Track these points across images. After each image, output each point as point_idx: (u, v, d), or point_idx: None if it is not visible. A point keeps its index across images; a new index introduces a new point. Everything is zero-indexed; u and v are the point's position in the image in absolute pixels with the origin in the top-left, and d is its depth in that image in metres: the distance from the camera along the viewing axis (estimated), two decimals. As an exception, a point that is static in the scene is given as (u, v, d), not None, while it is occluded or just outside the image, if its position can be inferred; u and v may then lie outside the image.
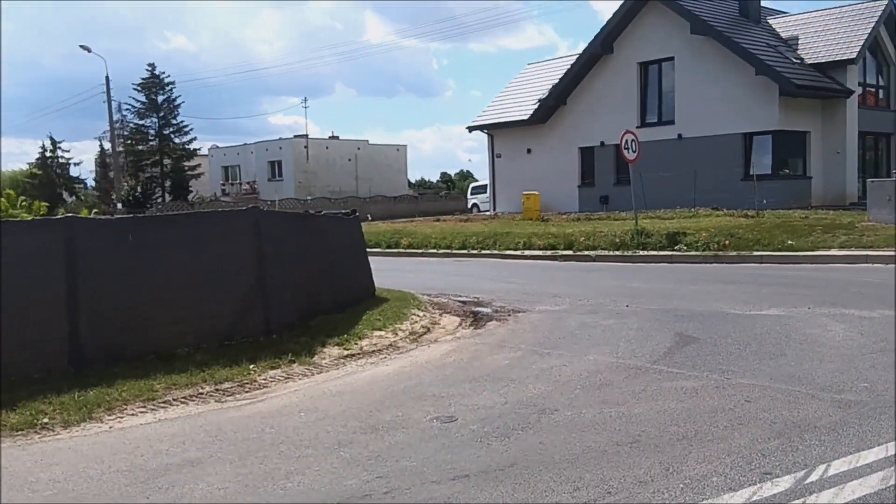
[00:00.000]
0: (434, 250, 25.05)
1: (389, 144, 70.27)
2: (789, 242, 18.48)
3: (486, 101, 42.61)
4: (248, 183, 64.16)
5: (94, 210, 13.18)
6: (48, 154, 63.53)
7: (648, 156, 25.54)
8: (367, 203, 52.58)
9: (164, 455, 5.83)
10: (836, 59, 29.49)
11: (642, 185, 23.56)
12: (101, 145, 63.60)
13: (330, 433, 6.24)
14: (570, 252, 21.33)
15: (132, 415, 7.06)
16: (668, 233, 20.52)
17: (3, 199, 11.57)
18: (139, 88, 59.91)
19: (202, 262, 9.59)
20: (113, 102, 51.89)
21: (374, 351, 9.59)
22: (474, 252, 23.83)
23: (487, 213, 39.29)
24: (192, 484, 5.18)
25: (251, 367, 8.47)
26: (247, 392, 7.78)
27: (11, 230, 8.29)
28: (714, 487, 4.75)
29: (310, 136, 63.45)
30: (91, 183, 67.06)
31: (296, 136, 63.55)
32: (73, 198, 63.42)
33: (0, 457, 5.84)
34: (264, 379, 8.20)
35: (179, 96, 62.21)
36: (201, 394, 7.66)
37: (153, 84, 60.10)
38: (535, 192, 30.95)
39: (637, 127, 30.26)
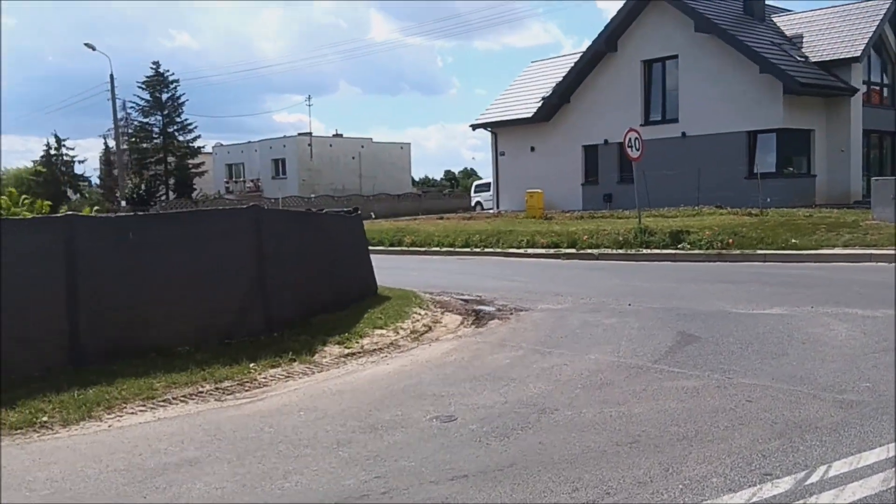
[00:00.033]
0: (437, 248, 25.04)
1: (393, 142, 70.20)
2: (793, 241, 18.42)
3: (490, 99, 42.67)
4: (252, 181, 64.16)
5: (96, 208, 13.13)
6: (52, 152, 63.55)
7: (652, 154, 25.48)
8: (371, 201, 52.56)
9: (163, 454, 5.81)
10: (841, 57, 29.36)
11: (646, 183, 23.48)
12: (105, 143, 63.65)
13: (329, 432, 6.22)
14: (573, 250, 21.30)
15: (131, 413, 7.05)
16: (671, 231, 20.48)
17: (4, 197, 11.55)
18: (143, 86, 59.86)
19: (202, 260, 9.59)
20: (117, 100, 51.94)
21: (374, 350, 9.57)
22: (477, 250, 23.81)
23: (491, 211, 39.26)
24: (189, 483, 5.16)
25: (251, 365, 8.46)
26: (247, 391, 7.76)
27: (11, 228, 8.28)
28: (714, 488, 4.72)
29: (313, 134, 63.42)
30: (96, 181, 67.20)
31: (299, 134, 63.51)
32: (78, 195, 63.47)
33: (0, 456, 5.83)
34: (264, 378, 8.18)
35: (183, 94, 62.02)
36: (201, 392, 7.64)
37: (157, 82, 60.06)
38: (539, 190, 30.91)
39: (641, 125, 30.19)
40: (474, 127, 40.11)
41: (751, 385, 7.05)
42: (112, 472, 5.45)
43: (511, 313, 11.95)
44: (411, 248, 25.76)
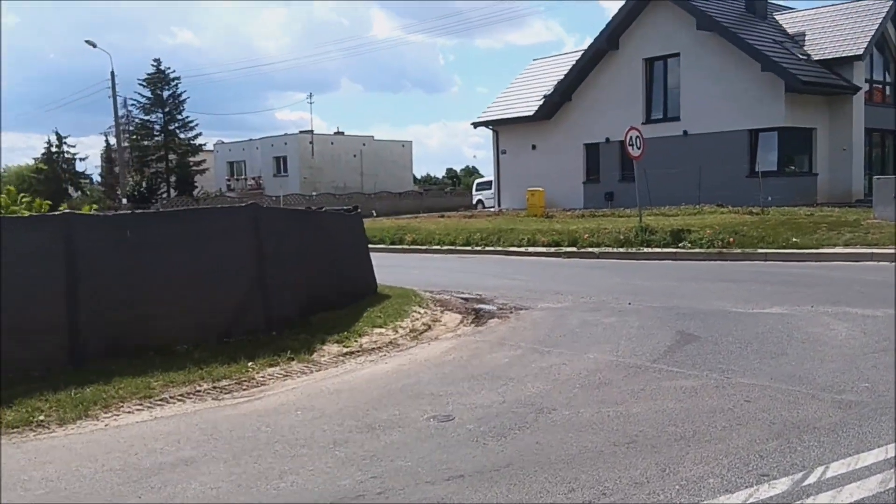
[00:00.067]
0: (438, 247, 25.01)
1: (395, 140, 70.14)
2: (794, 240, 18.38)
3: (491, 97, 42.51)
4: (254, 178, 64.17)
5: (95, 207, 13.11)
6: (54, 149, 63.59)
7: (653, 152, 25.46)
8: (372, 199, 52.54)
9: (159, 454, 5.80)
10: (843, 55, 29.29)
11: (647, 181, 23.44)
12: (106, 140, 63.75)
13: (326, 432, 6.20)
14: (574, 249, 21.27)
15: (128, 412, 7.04)
16: (672, 230, 20.44)
17: (3, 196, 11.53)
18: (145, 84, 59.96)
19: (202, 258, 9.57)
20: (119, 98, 52.01)
21: (373, 348, 9.55)
22: (478, 249, 23.78)
23: (492, 209, 39.24)
24: (185, 483, 5.15)
25: (249, 364, 8.44)
26: (244, 390, 7.74)
27: (9, 227, 8.26)
28: (710, 489, 4.70)
29: (315, 132, 63.40)
30: (97, 178, 67.27)
31: (301, 132, 63.52)
32: (79, 193, 63.51)
33: (0, 456, 5.83)
34: (262, 377, 8.17)
35: (185, 92, 62.03)
36: (198, 391, 7.63)
37: (158, 79, 60.12)
38: (540, 189, 30.89)
39: (642, 123, 30.17)
40: (476, 125, 40.07)
41: (749, 385, 7.02)
42: (108, 472, 5.43)
43: (511, 312, 11.93)
44: (412, 247, 25.73)
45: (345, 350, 9.38)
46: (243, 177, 65.96)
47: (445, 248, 24.67)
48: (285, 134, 64.50)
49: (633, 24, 32.45)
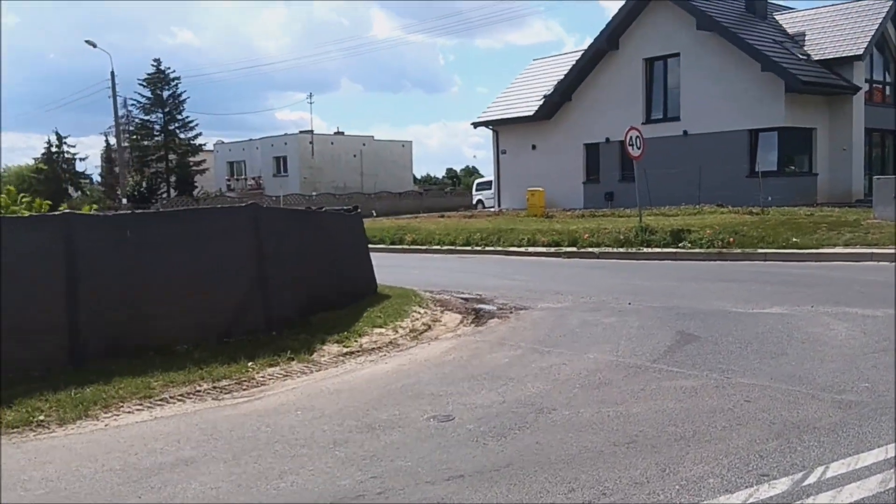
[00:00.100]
0: (438, 247, 25.01)
1: (395, 140, 70.13)
2: (794, 240, 18.38)
3: (491, 97, 42.52)
4: (254, 178, 64.17)
5: (95, 207, 13.09)
6: (54, 149, 63.62)
7: (653, 152, 25.46)
8: (372, 199, 52.54)
9: (159, 454, 5.80)
10: (843, 55, 29.28)
11: (647, 181, 23.44)
12: (106, 140, 63.79)
13: (326, 432, 6.20)
14: (574, 249, 21.27)
15: (128, 412, 7.04)
16: (672, 230, 20.44)
17: (3, 196, 11.52)
18: (144, 84, 59.96)
19: (201, 258, 9.57)
20: (119, 98, 51.99)
21: (373, 348, 9.55)
22: (478, 249, 23.78)
23: (492, 209, 39.24)
24: (184, 483, 5.15)
25: (249, 364, 8.44)
26: (244, 390, 7.74)
27: (9, 227, 8.25)
28: (710, 489, 4.70)
29: (315, 132, 63.40)
30: (97, 178, 67.28)
31: (301, 132, 63.51)
32: (79, 193, 63.53)
33: (0, 456, 5.81)
34: (262, 377, 8.17)
35: (184, 92, 62.04)
36: (198, 391, 7.63)
37: (158, 79, 60.13)
38: (540, 189, 30.89)
39: (642, 123, 30.17)
40: (476, 125, 40.07)
41: (749, 385, 7.02)
42: (107, 472, 5.43)
43: (511, 312, 11.93)
44: (412, 247, 25.73)
45: (345, 350, 9.38)
46: (243, 177, 65.96)
47: (445, 248, 24.67)
48: (285, 134, 64.52)
49: (633, 24, 32.45)
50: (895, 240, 16.85)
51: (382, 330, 10.47)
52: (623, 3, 32.50)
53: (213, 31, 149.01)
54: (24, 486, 5.23)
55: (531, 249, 22.27)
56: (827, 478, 4.79)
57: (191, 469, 5.42)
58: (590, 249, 20.85)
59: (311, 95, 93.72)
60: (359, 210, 14.74)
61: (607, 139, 33.35)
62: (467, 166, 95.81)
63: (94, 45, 47.96)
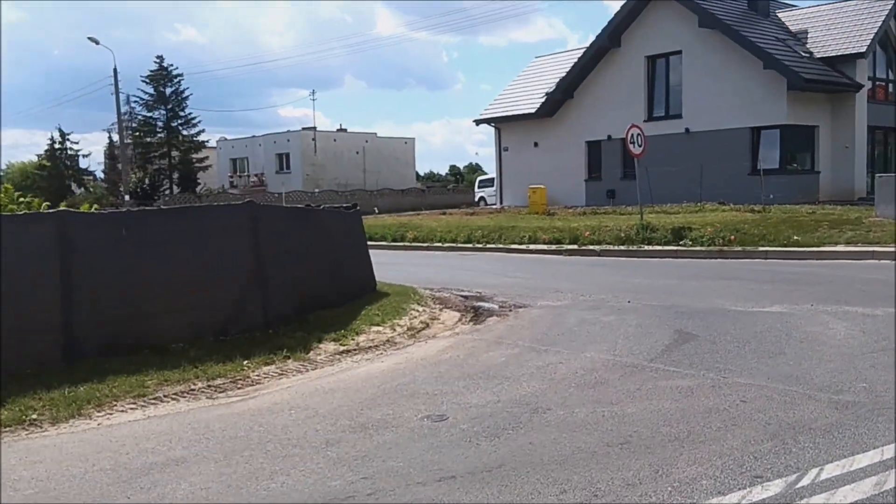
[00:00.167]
0: (439, 244, 24.94)
1: (397, 137, 70.10)
2: (795, 238, 18.32)
3: (495, 95, 42.41)
4: (256, 175, 64.17)
5: (95, 206, 13.03)
6: (57, 146, 63.65)
7: (655, 150, 25.40)
8: (375, 196, 52.53)
9: (150, 453, 5.77)
10: (846, 52, 29.21)
11: (648, 179, 23.37)
12: (109, 137, 63.75)
13: (318, 432, 6.17)
14: (574, 246, 21.21)
15: (122, 411, 7.02)
16: (673, 228, 20.40)
17: (1, 195, 11.48)
18: (147, 80, 60.00)
19: (199, 256, 9.55)
20: (122, 94, 51.97)
21: (370, 347, 9.51)
22: (479, 246, 23.72)
23: (494, 206, 39.19)
24: (174, 484, 5.12)
25: (245, 362, 8.41)
26: (239, 388, 7.71)
27: (5, 225, 8.22)
28: (703, 491, 4.66)
29: (318, 129, 63.42)
30: (100, 175, 67.28)
31: (304, 129, 63.52)
32: (82, 189, 63.55)
33: (0, 456, 5.79)
34: (258, 375, 8.14)
35: (187, 88, 62.30)
36: (193, 390, 7.60)
37: (161, 76, 60.16)
38: (542, 186, 30.85)
39: (644, 121, 30.11)
40: (478, 122, 40.03)
41: (746, 385, 6.97)
42: (97, 472, 5.40)
43: (510, 310, 11.88)
44: (413, 244, 25.68)
45: (341, 348, 9.34)
46: (246, 173, 65.97)
47: (447, 245, 24.60)
48: (288, 131, 64.55)
49: (635, 21, 32.38)
50: (894, 239, 16.77)
51: (380, 328, 10.43)
52: (625, 0, 32.41)
53: (217, 27, 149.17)
54: (13, 485, 5.20)
55: (532, 247, 22.22)
56: (821, 480, 4.74)
57: (181, 469, 5.39)
58: (591, 247, 20.79)
59: (313, 92, 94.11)
60: (358, 208, 14.69)
61: (609, 137, 33.26)
62: (471, 163, 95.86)
63: (97, 42, 48.01)
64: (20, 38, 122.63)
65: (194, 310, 9.33)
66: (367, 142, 65.15)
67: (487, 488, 4.83)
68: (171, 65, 60.74)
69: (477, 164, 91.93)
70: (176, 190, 59.13)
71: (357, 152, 63.89)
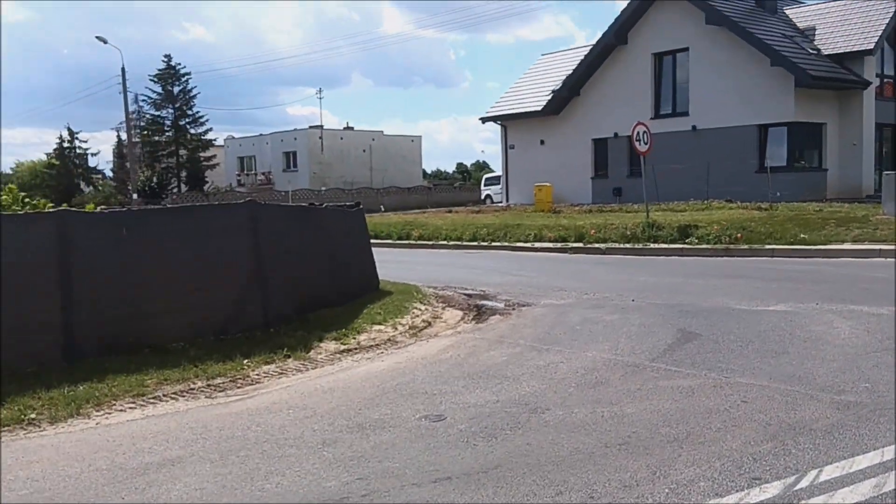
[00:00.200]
0: (445, 242, 24.89)
1: (404, 135, 70.04)
2: (802, 236, 18.22)
3: (502, 93, 42.39)
4: (264, 173, 64.22)
5: (101, 206, 13.02)
6: (66, 145, 63.80)
7: (662, 147, 25.31)
8: (381, 194, 52.49)
9: (146, 453, 5.75)
10: (854, 49, 29.06)
11: (655, 177, 23.31)
12: (118, 136, 63.84)
13: (316, 432, 6.14)
14: (580, 244, 21.13)
15: (120, 410, 7.00)
16: (679, 226, 20.30)
17: (4, 195, 11.48)
18: (155, 79, 60.03)
19: (199, 255, 9.53)
20: (130, 93, 52.05)
21: (371, 346, 9.48)
22: (485, 244, 23.65)
23: (500, 204, 39.13)
24: (169, 484, 5.09)
25: (245, 361, 8.40)
26: (238, 388, 7.69)
27: (5, 224, 8.22)
28: (701, 492, 4.62)
29: (325, 127, 63.41)
30: (109, 173, 67.45)
31: (311, 127, 63.50)
32: (91, 188, 63.71)
33: (0, 456, 5.78)
34: (257, 374, 8.12)
35: (195, 87, 62.14)
36: (192, 389, 7.58)
37: (169, 75, 60.16)
38: (548, 184, 30.76)
39: (651, 118, 30.05)
40: (484, 120, 39.99)
41: (747, 385, 6.92)
42: (93, 472, 5.39)
43: (513, 309, 11.84)
44: (419, 242, 25.63)
45: (342, 347, 9.31)
46: (253, 172, 66.01)
47: (452, 243, 24.55)
48: (295, 129, 64.56)
49: (641, 18, 32.27)
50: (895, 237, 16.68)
51: (381, 327, 10.40)
52: (632, -3, 32.33)
53: (225, 26, 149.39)
54: (9, 486, 5.19)
55: (537, 245, 22.16)
56: (820, 482, 4.69)
57: (177, 469, 5.37)
58: (596, 245, 20.72)
59: (320, 91, 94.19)
60: (360, 206, 14.64)
61: (616, 134, 33.17)
62: (478, 161, 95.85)
63: (105, 42, 48.05)
64: (29, 38, 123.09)
65: (194, 309, 9.32)
66: (373, 140, 65.11)
67: (483, 490, 4.80)
68: (179, 63, 60.77)
69: (484, 162, 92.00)
70: (184, 188, 59.17)
71: (364, 150, 63.86)
